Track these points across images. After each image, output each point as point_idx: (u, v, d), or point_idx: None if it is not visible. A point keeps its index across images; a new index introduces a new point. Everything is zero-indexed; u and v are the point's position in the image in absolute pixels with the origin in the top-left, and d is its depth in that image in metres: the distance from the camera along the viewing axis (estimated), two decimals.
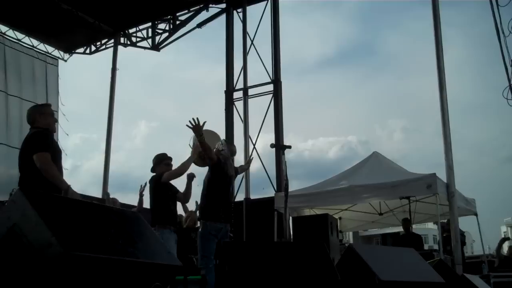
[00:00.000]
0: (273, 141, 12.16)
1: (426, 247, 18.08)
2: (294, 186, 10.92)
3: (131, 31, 15.54)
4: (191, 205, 8.56)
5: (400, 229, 12.12)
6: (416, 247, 8.33)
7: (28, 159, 4.75)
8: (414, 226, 11.08)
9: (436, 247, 19.36)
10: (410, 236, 10.54)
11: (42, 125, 5.04)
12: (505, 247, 11.45)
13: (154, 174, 6.76)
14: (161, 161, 6.77)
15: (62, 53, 16.16)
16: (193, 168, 6.63)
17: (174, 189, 6.76)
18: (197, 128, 5.93)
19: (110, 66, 15.55)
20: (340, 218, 12.13)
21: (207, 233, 6.02)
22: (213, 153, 6.17)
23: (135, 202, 7.62)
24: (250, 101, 12.92)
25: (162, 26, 15.17)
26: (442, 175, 9.24)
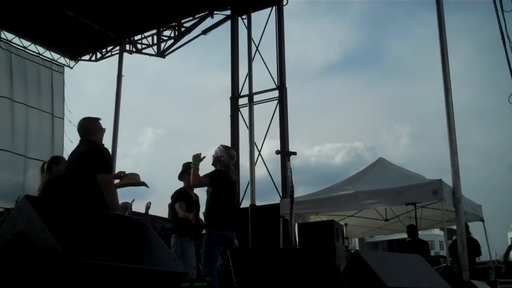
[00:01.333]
0: (279, 148, 12.15)
1: (432, 253, 17.99)
2: (300, 192, 10.94)
3: (136, 38, 15.60)
4: None
5: (406, 235, 12.08)
6: (422, 253, 8.30)
7: (90, 174, 4.77)
8: (420, 232, 11.03)
9: (442, 253, 19.28)
10: (416, 243, 10.49)
11: (97, 140, 5.09)
12: None
13: (179, 187, 6.85)
14: (186, 170, 6.85)
15: (68, 60, 16.26)
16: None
17: (197, 204, 6.83)
18: (196, 157, 6.14)
19: (116, 73, 15.63)
20: (346, 224, 12.10)
21: (211, 241, 6.00)
22: (200, 180, 6.16)
23: (140, 209, 7.66)
24: (255, 107, 12.92)
25: (167, 33, 15.23)
26: (449, 181, 9.22)
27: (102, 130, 5.22)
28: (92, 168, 4.79)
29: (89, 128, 5.11)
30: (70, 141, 15.36)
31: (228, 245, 6.06)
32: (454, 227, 9.82)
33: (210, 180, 6.17)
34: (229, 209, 6.21)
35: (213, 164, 6.41)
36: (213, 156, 6.39)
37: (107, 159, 4.94)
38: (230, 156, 6.41)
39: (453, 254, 9.50)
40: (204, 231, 6.31)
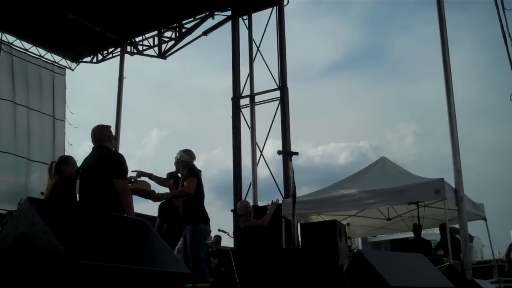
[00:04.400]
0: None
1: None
2: (303, 192, 10.89)
3: (137, 39, 15.61)
4: None
5: (408, 234, 12.06)
6: (425, 252, 8.28)
7: (107, 179, 4.93)
8: (422, 231, 11.01)
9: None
10: (419, 242, 10.49)
11: (110, 147, 5.27)
12: None
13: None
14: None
15: (69, 62, 16.27)
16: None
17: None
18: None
19: (117, 74, 15.63)
20: (348, 224, 12.10)
21: (201, 236, 6.14)
22: (190, 186, 6.27)
23: (145, 211, 7.75)
24: (257, 107, 12.93)
25: (168, 34, 15.23)
26: (452, 179, 9.23)
27: (113, 138, 5.46)
28: (108, 173, 4.94)
29: (104, 135, 5.29)
30: (69, 144, 15.41)
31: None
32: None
33: (195, 177, 6.32)
34: (203, 203, 6.40)
35: (176, 169, 6.69)
36: (174, 163, 6.64)
37: (123, 165, 5.09)
38: (189, 155, 6.59)
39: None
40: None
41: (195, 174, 6.34)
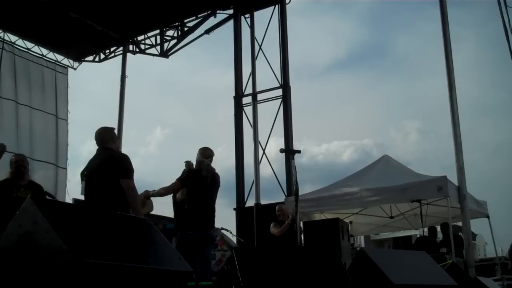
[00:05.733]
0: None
1: None
2: (307, 190, 10.91)
3: (139, 38, 15.62)
4: None
5: (411, 232, 12.05)
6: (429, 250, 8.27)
7: (113, 180, 4.99)
8: (425, 229, 11.00)
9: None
10: (423, 240, 10.50)
11: (114, 148, 5.34)
12: None
13: None
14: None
15: (71, 61, 16.27)
16: None
17: None
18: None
19: (120, 73, 15.64)
20: (351, 222, 12.08)
21: (180, 241, 6.11)
22: (171, 187, 6.41)
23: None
24: (260, 106, 12.92)
25: (170, 33, 15.24)
26: (455, 176, 9.22)
27: (117, 139, 5.54)
28: (114, 174, 5.00)
29: (107, 137, 5.36)
30: (72, 142, 15.44)
31: (202, 244, 6.13)
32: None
33: (180, 182, 6.36)
34: (200, 208, 6.27)
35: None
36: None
37: (129, 165, 5.15)
38: (202, 154, 6.51)
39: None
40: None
41: (182, 178, 6.38)
